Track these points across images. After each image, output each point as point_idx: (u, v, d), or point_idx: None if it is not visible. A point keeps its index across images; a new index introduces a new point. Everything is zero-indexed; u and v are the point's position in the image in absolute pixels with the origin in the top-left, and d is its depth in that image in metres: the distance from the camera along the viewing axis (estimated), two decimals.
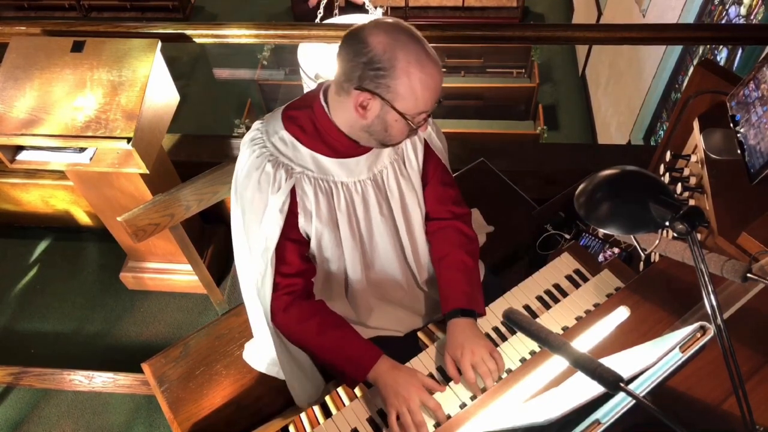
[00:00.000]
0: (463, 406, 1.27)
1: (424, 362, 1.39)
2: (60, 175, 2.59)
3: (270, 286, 1.33)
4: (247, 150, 1.29)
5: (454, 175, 1.56)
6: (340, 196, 1.32)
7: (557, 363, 1.21)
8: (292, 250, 1.33)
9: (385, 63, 1.12)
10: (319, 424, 1.38)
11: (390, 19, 1.17)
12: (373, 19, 1.17)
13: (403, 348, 1.53)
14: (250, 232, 1.33)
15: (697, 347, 0.88)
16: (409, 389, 1.26)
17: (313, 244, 1.37)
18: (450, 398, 1.30)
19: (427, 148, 1.43)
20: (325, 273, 1.44)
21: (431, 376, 1.36)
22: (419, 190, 1.43)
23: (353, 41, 1.14)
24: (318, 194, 1.30)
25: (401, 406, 1.25)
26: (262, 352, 1.58)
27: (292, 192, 1.28)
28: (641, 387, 0.87)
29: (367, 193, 1.35)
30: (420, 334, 1.55)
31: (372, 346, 1.35)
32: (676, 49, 3.90)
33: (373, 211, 1.37)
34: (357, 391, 1.43)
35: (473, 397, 1.28)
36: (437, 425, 1.26)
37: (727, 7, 3.37)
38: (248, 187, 1.29)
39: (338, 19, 2.83)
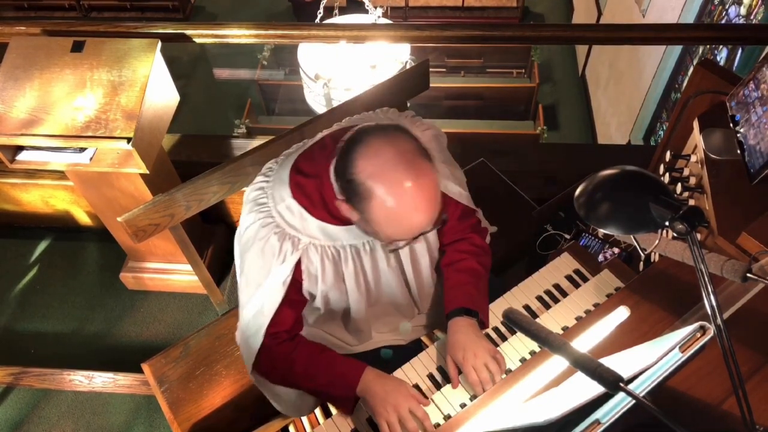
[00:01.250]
0: (463, 406, 1.27)
1: (424, 362, 1.39)
2: (60, 175, 2.59)
3: (257, 346, 1.30)
4: (252, 215, 1.25)
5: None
6: (347, 258, 1.28)
7: (557, 363, 1.21)
8: (288, 313, 1.30)
9: (363, 192, 1.06)
10: (319, 424, 1.38)
11: (394, 142, 1.07)
12: (378, 133, 1.08)
13: (404, 349, 1.53)
14: (243, 289, 1.30)
15: (697, 347, 0.89)
16: (397, 397, 1.25)
17: (317, 301, 1.34)
18: (450, 398, 1.30)
19: (444, 196, 1.35)
20: (327, 311, 1.40)
21: (431, 376, 1.36)
22: (431, 236, 1.38)
23: (346, 151, 1.09)
24: (324, 261, 1.26)
25: (391, 415, 1.23)
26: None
27: (297, 262, 1.24)
28: (641, 387, 0.87)
29: (375, 250, 1.30)
30: (422, 337, 1.55)
31: (354, 361, 1.33)
32: (676, 49, 3.90)
33: (381, 263, 1.33)
34: None
35: (473, 397, 1.28)
36: (436, 425, 1.26)
37: (727, 7, 3.37)
38: (250, 251, 1.25)
39: (338, 19, 2.83)
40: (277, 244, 1.21)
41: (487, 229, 1.51)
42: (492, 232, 1.58)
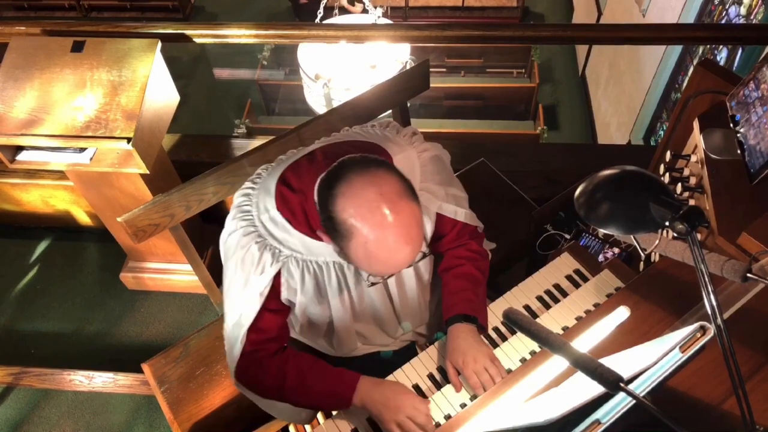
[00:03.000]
0: (463, 406, 1.27)
1: (424, 362, 1.39)
2: (60, 175, 2.59)
3: (237, 356, 1.28)
4: (234, 221, 1.23)
5: (454, 175, 1.54)
6: (330, 274, 1.26)
7: (557, 363, 1.21)
8: (270, 319, 1.27)
9: (343, 231, 1.05)
10: (319, 424, 1.38)
11: (374, 181, 1.05)
12: (361, 168, 1.06)
13: (403, 349, 1.53)
14: (227, 298, 1.28)
15: (697, 347, 0.89)
16: (398, 398, 1.25)
17: (297, 311, 1.32)
18: (450, 398, 1.30)
19: (440, 216, 1.35)
20: (308, 323, 1.39)
21: (431, 376, 1.36)
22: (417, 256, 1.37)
23: (327, 187, 1.07)
24: (305, 275, 1.24)
25: (398, 416, 1.23)
26: None
27: (277, 273, 1.22)
28: (641, 387, 0.87)
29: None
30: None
31: (347, 372, 1.31)
32: (676, 49, 3.90)
33: (364, 280, 1.30)
34: None
35: (473, 397, 1.28)
36: (437, 424, 1.25)
37: (727, 7, 3.37)
38: (231, 259, 1.24)
39: (338, 19, 2.83)
40: (257, 254, 1.20)
41: (483, 235, 1.50)
42: (492, 238, 1.57)
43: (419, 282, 1.41)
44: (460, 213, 1.37)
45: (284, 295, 1.26)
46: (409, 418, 1.23)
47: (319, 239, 1.19)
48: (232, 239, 1.24)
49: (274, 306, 1.26)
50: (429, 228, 1.35)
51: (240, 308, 1.24)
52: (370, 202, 1.03)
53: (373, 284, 1.25)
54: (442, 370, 1.37)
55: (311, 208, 1.17)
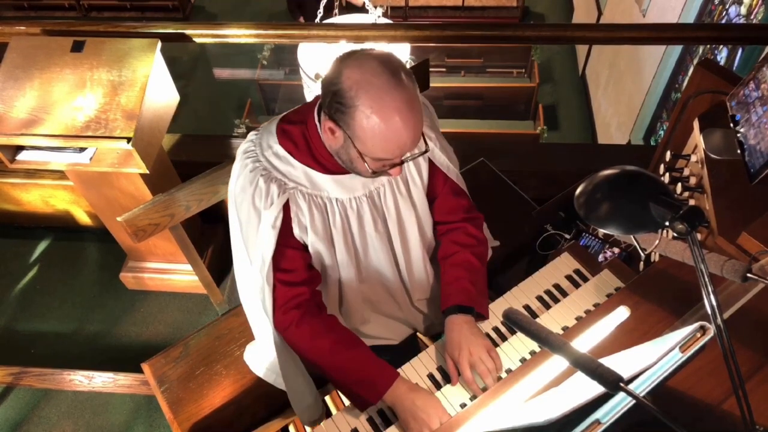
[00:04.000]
0: (463, 406, 1.27)
1: (424, 362, 1.39)
2: (60, 175, 2.59)
3: (270, 300, 1.31)
4: (240, 162, 1.28)
5: None
6: (335, 213, 1.30)
7: (557, 363, 1.20)
8: (293, 256, 1.30)
9: (347, 101, 1.08)
10: (319, 423, 1.38)
11: (379, 56, 1.10)
12: (366, 50, 1.12)
13: (402, 350, 1.53)
14: (249, 246, 1.32)
15: (697, 347, 0.88)
16: (429, 411, 1.24)
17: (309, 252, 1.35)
18: (450, 398, 1.30)
19: (432, 164, 1.39)
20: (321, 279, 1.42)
21: (431, 376, 1.36)
22: (421, 207, 1.40)
23: (335, 66, 1.11)
24: (312, 209, 1.27)
25: (422, 430, 1.23)
26: (261, 357, 1.57)
27: (286, 206, 1.26)
28: (641, 387, 0.87)
29: (362, 210, 1.32)
30: (419, 334, 1.55)
31: (387, 366, 1.32)
32: (676, 49, 3.90)
33: (367, 227, 1.34)
34: None
35: (473, 397, 1.28)
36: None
37: (727, 7, 3.37)
38: (244, 202, 1.27)
39: (338, 19, 2.83)
40: (264, 187, 1.24)
41: (481, 217, 1.51)
42: (493, 246, 1.57)
43: (422, 236, 1.41)
44: (451, 170, 1.41)
45: (296, 231, 1.29)
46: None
47: (321, 170, 1.24)
48: (239, 182, 1.27)
49: (292, 242, 1.29)
50: (425, 173, 1.37)
51: (260, 248, 1.27)
52: (374, 69, 1.07)
53: (375, 173, 1.21)
54: (442, 370, 1.37)
55: (313, 135, 1.22)
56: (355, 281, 1.40)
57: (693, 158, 1.58)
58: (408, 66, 2.70)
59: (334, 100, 1.10)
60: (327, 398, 1.45)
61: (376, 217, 1.34)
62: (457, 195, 1.44)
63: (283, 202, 1.24)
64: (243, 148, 1.30)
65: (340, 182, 1.27)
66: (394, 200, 1.35)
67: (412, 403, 1.25)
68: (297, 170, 1.25)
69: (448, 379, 1.34)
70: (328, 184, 1.27)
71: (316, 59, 2.62)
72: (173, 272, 2.68)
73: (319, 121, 1.20)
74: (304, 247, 1.33)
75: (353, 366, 1.30)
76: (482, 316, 1.39)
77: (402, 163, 1.17)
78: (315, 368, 1.38)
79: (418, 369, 1.37)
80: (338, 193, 1.28)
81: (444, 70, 6.37)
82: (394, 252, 1.41)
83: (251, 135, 1.31)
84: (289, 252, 1.29)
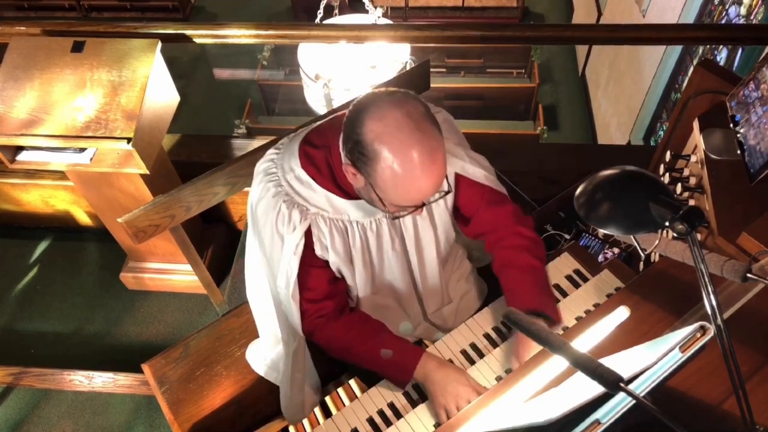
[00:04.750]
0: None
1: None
2: (60, 175, 2.59)
3: (297, 313, 1.34)
4: (262, 185, 1.28)
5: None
6: (355, 235, 1.30)
7: (557, 363, 1.20)
8: (317, 274, 1.33)
9: (369, 153, 1.07)
10: (319, 424, 1.38)
11: (402, 104, 1.07)
12: (388, 97, 1.08)
13: None
14: (273, 263, 1.33)
15: (697, 347, 0.88)
16: (458, 387, 1.26)
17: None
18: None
19: (464, 180, 1.36)
20: None
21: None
22: (442, 226, 1.38)
23: (356, 113, 1.09)
24: (333, 233, 1.29)
25: (450, 404, 1.25)
26: (263, 356, 1.58)
27: (308, 230, 1.27)
28: (641, 387, 0.87)
29: (381, 230, 1.32)
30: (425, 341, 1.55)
31: (413, 345, 1.36)
32: (676, 49, 3.90)
33: (385, 245, 1.35)
34: (357, 391, 1.44)
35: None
36: (437, 425, 1.26)
37: (727, 7, 3.37)
38: (267, 225, 1.28)
39: (338, 20, 2.83)
40: (287, 212, 1.25)
41: (531, 218, 1.47)
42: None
43: (438, 253, 1.41)
44: (487, 177, 1.37)
45: (318, 251, 1.30)
46: (459, 409, 1.24)
47: (343, 196, 1.24)
48: (262, 205, 1.28)
49: (315, 262, 1.32)
50: (449, 198, 1.36)
51: (285, 268, 1.29)
52: (397, 121, 1.05)
53: (395, 218, 1.23)
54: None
55: (336, 161, 1.21)
56: (369, 294, 1.42)
57: (693, 158, 1.58)
58: (408, 66, 2.70)
59: (356, 149, 1.09)
60: (327, 398, 1.45)
61: (394, 236, 1.34)
62: (499, 204, 1.41)
63: (305, 228, 1.26)
64: (263, 167, 1.29)
65: (361, 206, 1.27)
66: (413, 220, 1.34)
67: (443, 378, 1.27)
68: (319, 195, 1.25)
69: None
70: (348, 208, 1.27)
71: (316, 59, 2.62)
72: (173, 272, 2.68)
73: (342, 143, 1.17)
74: (326, 263, 1.35)
75: (379, 353, 1.33)
76: (550, 318, 1.33)
77: (423, 205, 1.16)
78: (345, 362, 1.43)
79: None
80: (359, 216, 1.28)
81: (444, 70, 6.38)
82: (411, 270, 1.41)
83: (271, 153, 1.30)
84: (313, 271, 1.32)
